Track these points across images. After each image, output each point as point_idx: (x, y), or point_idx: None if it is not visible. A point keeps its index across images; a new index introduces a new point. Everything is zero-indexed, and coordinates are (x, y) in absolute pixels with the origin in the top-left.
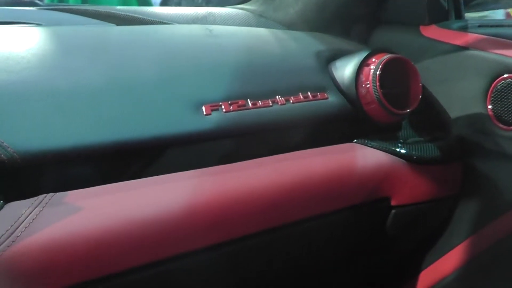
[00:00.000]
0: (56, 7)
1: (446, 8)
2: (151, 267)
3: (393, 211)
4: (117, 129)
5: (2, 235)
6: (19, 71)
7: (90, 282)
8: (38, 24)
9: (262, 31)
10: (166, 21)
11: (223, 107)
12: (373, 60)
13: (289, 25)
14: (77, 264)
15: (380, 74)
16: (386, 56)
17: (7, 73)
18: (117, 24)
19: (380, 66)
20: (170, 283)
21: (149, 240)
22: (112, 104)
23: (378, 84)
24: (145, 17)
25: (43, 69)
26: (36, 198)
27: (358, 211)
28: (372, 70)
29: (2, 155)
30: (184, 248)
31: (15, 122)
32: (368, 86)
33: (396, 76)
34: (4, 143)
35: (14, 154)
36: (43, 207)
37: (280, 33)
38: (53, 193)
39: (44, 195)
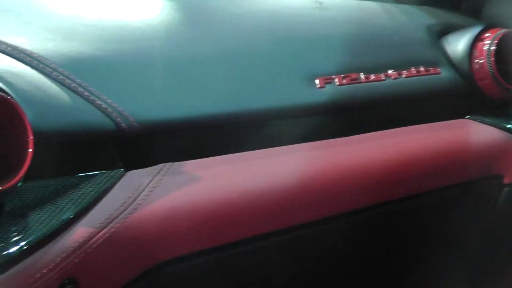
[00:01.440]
0: None
1: None
2: (260, 239)
3: (506, 189)
4: (231, 100)
5: (124, 202)
6: (135, 41)
7: (204, 251)
8: None
9: (371, 4)
10: None
11: (336, 80)
12: (487, 35)
13: None
14: (193, 234)
15: (495, 49)
16: (501, 31)
17: (124, 43)
18: None
19: (495, 41)
20: (279, 256)
21: (262, 212)
22: (226, 75)
23: (492, 59)
24: None
25: (158, 39)
26: (155, 167)
27: (469, 188)
28: (486, 45)
29: (123, 124)
30: (296, 221)
31: (134, 92)
32: (482, 61)
33: (510, 51)
34: (125, 112)
35: (134, 123)
36: (163, 176)
37: (390, 7)
38: (171, 163)
39: (163, 164)
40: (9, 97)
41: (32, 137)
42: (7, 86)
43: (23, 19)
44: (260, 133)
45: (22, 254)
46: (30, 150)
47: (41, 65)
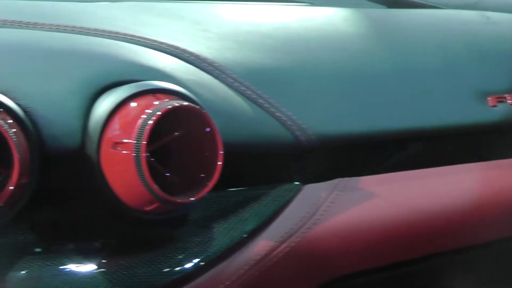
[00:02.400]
0: None
1: None
2: (430, 259)
3: None
4: (402, 116)
5: (303, 217)
6: (311, 52)
7: (379, 268)
8: (310, 4)
9: None
10: (438, 5)
11: (508, 99)
12: None
13: None
14: (369, 250)
15: None
16: None
17: (299, 55)
18: (388, 7)
19: None
20: (452, 276)
21: (437, 231)
22: (397, 90)
23: None
24: (417, 0)
25: (334, 51)
26: (331, 182)
27: None
28: None
29: (301, 137)
30: (470, 241)
31: (311, 105)
32: None
33: None
34: (303, 125)
35: (312, 136)
36: (340, 191)
37: None
38: (347, 178)
39: (339, 179)
40: (201, 108)
41: (222, 151)
42: (195, 96)
43: (199, 27)
44: (430, 151)
45: (205, 266)
46: (220, 163)
47: (223, 75)
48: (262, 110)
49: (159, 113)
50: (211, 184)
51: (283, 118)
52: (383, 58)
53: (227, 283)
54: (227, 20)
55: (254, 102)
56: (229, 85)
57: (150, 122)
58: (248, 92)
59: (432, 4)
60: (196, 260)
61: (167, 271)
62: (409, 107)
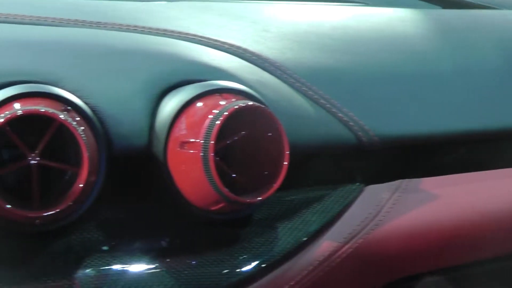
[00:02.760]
0: None
1: None
2: (499, 261)
3: None
4: (469, 118)
5: (366, 218)
6: (372, 53)
7: (441, 270)
8: (365, 4)
9: None
10: (493, 6)
11: None
12: None
13: None
14: (432, 252)
15: None
16: None
17: (360, 56)
18: (443, 7)
19: None
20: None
21: (500, 234)
22: (459, 91)
23: None
24: (471, 1)
25: (387, 52)
26: (393, 183)
27: None
28: None
29: (363, 138)
30: None
31: (373, 106)
32: None
33: None
34: (366, 126)
35: (374, 137)
36: (402, 193)
37: None
38: (409, 180)
39: (401, 180)
40: (267, 108)
41: (288, 151)
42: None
43: (259, 27)
44: (494, 153)
45: (270, 266)
46: (286, 163)
47: (284, 75)
48: (324, 110)
49: (226, 113)
50: (277, 184)
51: (345, 119)
52: (444, 59)
53: (291, 283)
54: (285, 20)
55: (316, 102)
56: (291, 85)
57: (218, 122)
58: (310, 92)
59: (486, 5)
60: (260, 260)
61: (233, 271)
62: (472, 108)
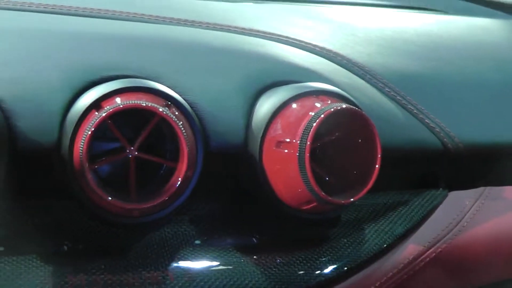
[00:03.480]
0: None
1: None
2: None
3: None
4: None
5: (450, 223)
6: (453, 61)
7: None
8: (444, 12)
9: None
10: None
11: None
12: None
13: None
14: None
15: None
16: None
17: (445, 63)
18: None
19: None
20: None
21: None
22: None
23: None
24: None
25: (472, 59)
26: (477, 190)
27: None
28: None
29: (449, 144)
30: None
31: (459, 112)
32: None
33: None
34: (451, 133)
35: (460, 144)
36: (485, 199)
37: None
38: (491, 187)
39: (484, 188)
40: (362, 111)
41: (380, 154)
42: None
43: (346, 31)
44: None
45: (357, 267)
46: (378, 166)
47: (374, 80)
48: (411, 115)
49: (323, 115)
50: (368, 186)
51: (432, 125)
52: None
53: (377, 285)
54: (371, 25)
55: (403, 107)
56: (380, 90)
57: (315, 124)
58: (398, 97)
59: None
60: (347, 261)
61: (321, 271)
62: None
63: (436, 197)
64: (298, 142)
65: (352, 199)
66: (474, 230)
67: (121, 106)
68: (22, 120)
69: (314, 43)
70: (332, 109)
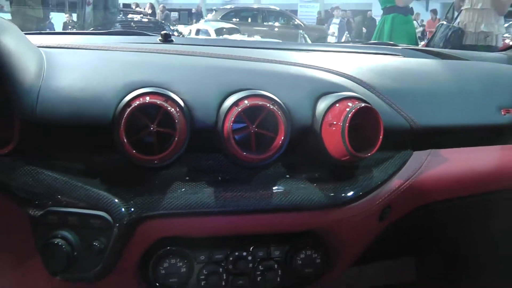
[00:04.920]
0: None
1: None
2: None
3: None
4: None
5: (416, 167)
6: (408, 79)
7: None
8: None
9: None
10: None
11: None
12: None
13: None
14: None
15: None
16: None
17: (403, 81)
18: None
19: None
20: None
21: None
22: None
23: None
24: None
25: (423, 78)
26: (427, 151)
27: None
28: None
29: (412, 124)
30: None
31: (419, 105)
32: None
33: None
34: (413, 117)
35: (418, 124)
36: (431, 156)
37: None
38: (435, 149)
39: (430, 149)
40: (374, 107)
41: (382, 131)
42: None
43: (355, 67)
44: None
45: (366, 193)
46: (381, 136)
47: (377, 92)
48: (393, 109)
49: (354, 110)
50: (376, 147)
51: (402, 113)
52: None
53: (380, 200)
54: (362, 64)
55: (390, 106)
56: (378, 96)
57: (350, 114)
58: (387, 101)
59: None
60: (362, 188)
61: (345, 194)
62: None
63: (407, 154)
64: (341, 124)
65: (368, 154)
66: (428, 171)
67: (248, 104)
68: (196, 111)
69: (342, 71)
70: (358, 107)
